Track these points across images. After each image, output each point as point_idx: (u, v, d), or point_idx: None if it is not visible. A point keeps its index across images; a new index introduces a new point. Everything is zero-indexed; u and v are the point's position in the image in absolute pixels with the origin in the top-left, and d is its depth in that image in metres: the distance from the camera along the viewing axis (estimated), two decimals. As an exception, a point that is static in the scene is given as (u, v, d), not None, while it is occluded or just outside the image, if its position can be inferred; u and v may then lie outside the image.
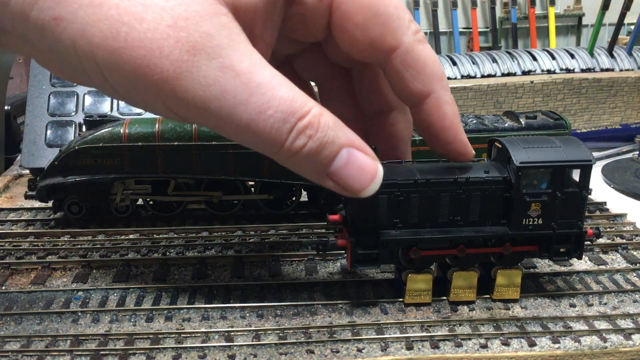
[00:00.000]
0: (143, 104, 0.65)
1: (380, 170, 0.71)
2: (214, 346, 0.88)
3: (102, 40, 0.57)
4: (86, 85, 0.66)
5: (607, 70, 1.96)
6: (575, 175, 0.93)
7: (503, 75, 1.90)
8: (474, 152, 0.87)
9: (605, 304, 0.99)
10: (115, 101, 1.45)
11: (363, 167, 0.69)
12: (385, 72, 0.78)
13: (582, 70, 1.95)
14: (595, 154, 1.04)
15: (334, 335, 0.91)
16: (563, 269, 1.10)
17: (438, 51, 2.26)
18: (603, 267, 1.11)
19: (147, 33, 0.57)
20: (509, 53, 1.98)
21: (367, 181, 0.70)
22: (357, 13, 0.71)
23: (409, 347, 0.88)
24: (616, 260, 1.14)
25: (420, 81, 0.76)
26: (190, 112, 0.62)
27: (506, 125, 1.23)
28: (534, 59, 1.96)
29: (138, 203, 1.30)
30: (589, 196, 0.95)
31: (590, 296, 1.01)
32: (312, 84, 0.92)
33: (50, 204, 1.26)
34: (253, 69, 0.61)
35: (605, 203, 1.37)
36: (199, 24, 0.58)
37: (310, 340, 0.90)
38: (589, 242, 1.15)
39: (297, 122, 0.62)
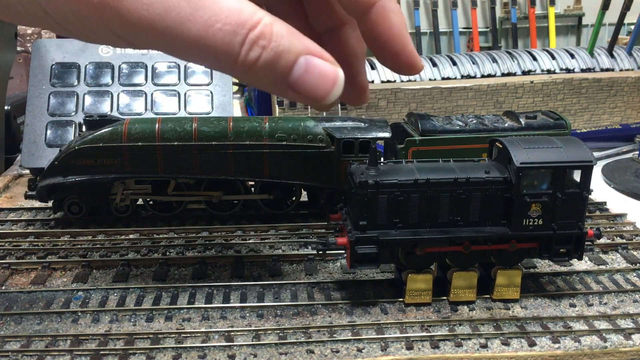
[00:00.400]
0: (90, 35, 0.62)
1: (340, 74, 0.67)
2: (214, 346, 0.88)
3: None
4: (30, 24, 0.64)
5: (607, 70, 1.96)
6: (576, 175, 0.93)
7: (503, 75, 1.90)
8: (423, 64, 0.81)
9: (605, 304, 0.99)
10: (115, 101, 1.45)
11: (323, 73, 0.66)
12: None
13: (582, 70, 1.94)
14: (595, 154, 1.04)
15: (334, 335, 0.91)
16: (563, 269, 1.10)
17: (438, 51, 2.26)
18: (603, 267, 1.11)
19: None
20: (509, 53, 1.98)
21: (329, 87, 0.66)
22: None
23: (409, 347, 0.89)
24: (616, 260, 1.14)
25: None
26: (137, 36, 0.60)
27: (506, 125, 1.23)
28: (534, 59, 1.96)
29: (138, 203, 1.29)
30: (589, 196, 0.95)
31: (590, 296, 1.01)
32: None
33: (50, 204, 1.26)
34: None
35: (605, 203, 1.37)
36: None
37: (310, 340, 0.90)
38: (589, 243, 1.15)
39: (248, 34, 0.60)
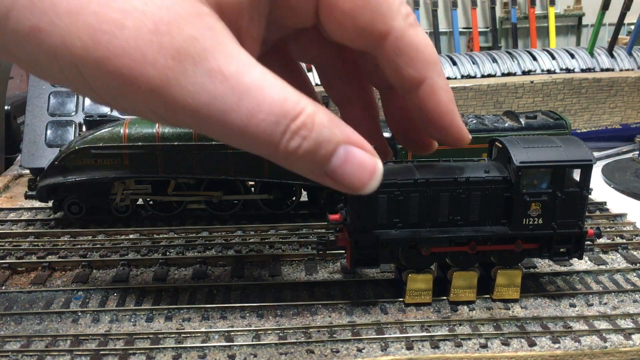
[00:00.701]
0: (132, 111, 0.63)
1: (379, 166, 0.69)
2: (214, 346, 0.88)
3: (83, 50, 0.56)
4: (68, 87, 0.65)
5: (607, 70, 1.96)
6: (576, 175, 0.93)
7: (503, 75, 1.90)
8: (470, 136, 0.84)
9: (605, 304, 0.99)
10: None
11: (362, 163, 0.67)
12: (377, 59, 0.77)
13: (582, 70, 1.94)
14: (595, 154, 1.04)
15: (334, 335, 0.91)
16: (563, 269, 1.10)
17: (438, 51, 2.26)
18: (603, 267, 1.11)
19: (129, 41, 0.55)
20: (509, 53, 1.98)
21: (367, 178, 0.68)
22: (344, 0, 0.69)
23: (409, 347, 0.88)
24: (616, 260, 1.14)
25: (413, 68, 0.74)
26: (180, 119, 0.61)
27: (506, 125, 1.23)
28: (534, 59, 1.96)
29: (138, 203, 1.30)
30: (589, 196, 0.95)
31: (590, 296, 1.01)
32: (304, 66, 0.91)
33: (50, 204, 1.26)
34: (241, 71, 0.59)
35: (605, 203, 1.37)
36: (182, 28, 0.57)
37: (310, 340, 0.89)
38: (589, 242, 1.15)
39: (290, 124, 0.61)
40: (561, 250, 0.96)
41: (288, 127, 0.61)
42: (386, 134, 1.20)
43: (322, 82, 0.88)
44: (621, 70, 1.97)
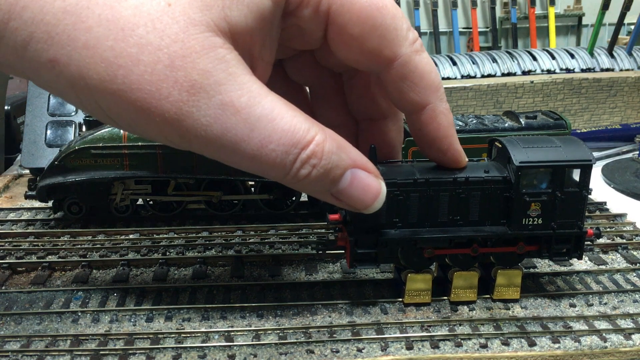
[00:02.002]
0: (147, 137, 0.66)
1: (383, 188, 0.73)
2: (214, 346, 0.88)
3: (99, 83, 0.57)
4: (82, 110, 0.68)
5: (607, 70, 1.96)
6: (576, 175, 0.93)
7: (503, 75, 1.90)
8: (467, 159, 0.89)
9: (605, 304, 0.99)
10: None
11: (366, 186, 0.71)
12: (382, 81, 0.78)
13: (582, 70, 1.95)
14: (595, 154, 1.04)
15: (334, 335, 0.91)
16: (563, 269, 1.10)
17: (438, 51, 2.26)
18: (603, 267, 1.11)
19: (145, 75, 0.57)
20: (509, 53, 1.98)
21: (371, 200, 0.72)
22: (354, 25, 0.70)
23: (409, 347, 0.88)
24: (616, 260, 1.14)
25: (417, 92, 0.76)
26: (195, 147, 0.63)
27: (506, 125, 1.23)
28: (534, 59, 1.96)
29: (138, 203, 1.30)
30: (589, 196, 0.95)
31: (590, 296, 1.01)
32: None
33: (50, 204, 1.26)
34: (252, 102, 0.61)
35: (605, 203, 1.37)
36: (195, 62, 0.58)
37: (310, 340, 0.90)
38: (589, 242, 1.15)
39: (299, 153, 0.63)
40: (561, 250, 0.96)
41: (298, 157, 0.64)
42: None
43: (312, 102, 0.89)
44: (621, 70, 1.97)
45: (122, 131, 1.18)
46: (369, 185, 0.70)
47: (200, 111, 0.59)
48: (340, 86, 0.87)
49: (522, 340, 0.90)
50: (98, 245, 1.17)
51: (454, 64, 1.91)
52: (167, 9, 0.58)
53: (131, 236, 1.22)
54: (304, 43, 0.76)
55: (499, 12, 2.32)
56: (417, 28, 2.24)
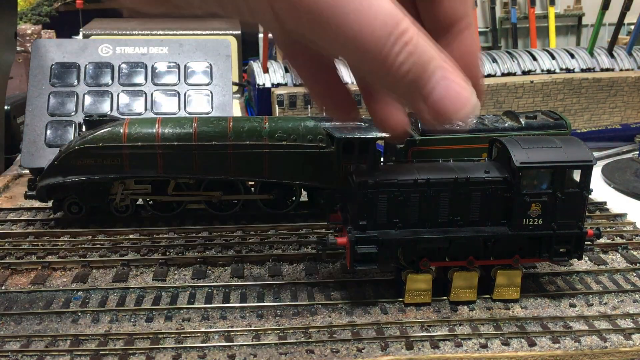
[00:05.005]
0: (248, 12, 0.63)
1: (474, 95, 0.68)
2: (214, 346, 0.88)
3: None
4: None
5: (607, 70, 1.96)
6: (576, 175, 0.93)
7: (503, 75, 1.90)
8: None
9: (605, 304, 0.99)
10: (115, 101, 1.44)
11: (459, 90, 0.66)
12: None
13: (582, 70, 1.94)
14: (595, 154, 1.04)
15: (334, 335, 0.91)
16: (563, 269, 1.10)
17: (438, 51, 2.25)
18: (603, 267, 1.11)
19: None
20: (509, 53, 1.98)
21: (462, 104, 0.67)
22: None
23: (409, 347, 0.89)
24: (616, 260, 1.14)
25: (460, 2, 0.74)
26: (298, 20, 0.61)
27: (506, 125, 1.23)
28: (534, 58, 1.96)
29: (138, 203, 1.29)
30: (589, 196, 0.95)
31: (590, 296, 1.01)
32: None
33: (50, 204, 1.26)
34: None
35: (605, 203, 1.37)
36: None
37: (310, 340, 0.90)
38: (589, 243, 1.15)
39: (400, 36, 0.61)
40: (561, 250, 0.96)
41: (398, 39, 0.61)
42: (386, 134, 1.20)
43: None
44: (621, 70, 1.96)
45: (122, 131, 1.18)
46: (462, 89, 0.66)
47: None
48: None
49: (522, 340, 0.90)
50: (98, 245, 1.17)
51: (454, 64, 1.90)
52: None
53: (131, 236, 1.22)
54: None
55: (498, 12, 2.31)
56: (417, 28, 2.24)
